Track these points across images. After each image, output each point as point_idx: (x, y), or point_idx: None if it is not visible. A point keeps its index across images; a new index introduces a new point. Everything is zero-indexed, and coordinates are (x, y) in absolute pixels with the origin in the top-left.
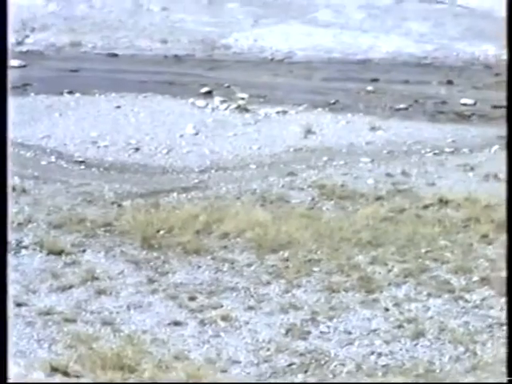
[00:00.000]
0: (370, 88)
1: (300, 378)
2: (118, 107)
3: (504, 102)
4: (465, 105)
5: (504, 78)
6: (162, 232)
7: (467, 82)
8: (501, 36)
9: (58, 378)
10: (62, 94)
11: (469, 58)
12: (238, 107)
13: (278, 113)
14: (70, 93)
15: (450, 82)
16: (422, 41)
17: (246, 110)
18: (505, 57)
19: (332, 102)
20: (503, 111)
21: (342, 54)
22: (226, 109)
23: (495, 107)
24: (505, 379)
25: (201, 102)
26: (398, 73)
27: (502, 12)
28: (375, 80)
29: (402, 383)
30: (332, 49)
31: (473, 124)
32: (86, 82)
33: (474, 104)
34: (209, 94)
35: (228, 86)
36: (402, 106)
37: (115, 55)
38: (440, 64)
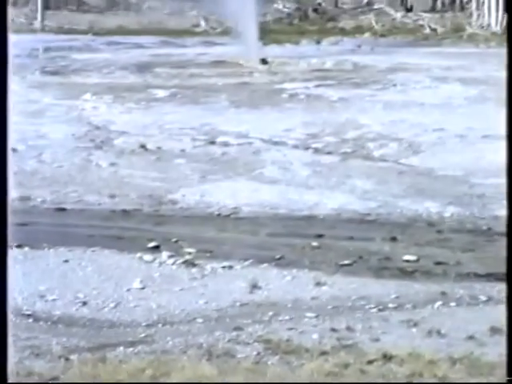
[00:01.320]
0: (315, 244)
1: None
2: (66, 261)
3: (444, 259)
4: (408, 261)
5: (446, 235)
6: None
7: (410, 239)
8: (442, 193)
9: None
10: (10, 247)
11: (412, 214)
12: (185, 262)
13: (224, 267)
14: (19, 246)
15: (393, 239)
16: (366, 198)
17: (193, 265)
18: (447, 214)
19: (277, 257)
20: (445, 267)
21: (287, 209)
22: (173, 263)
23: (438, 263)
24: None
25: (148, 257)
26: (342, 229)
27: (444, 171)
28: (320, 236)
29: (402, 383)
30: (278, 205)
31: (416, 280)
32: (35, 235)
33: (417, 260)
34: (156, 248)
35: (175, 241)
36: (346, 261)
37: (64, 209)
38: (384, 221)
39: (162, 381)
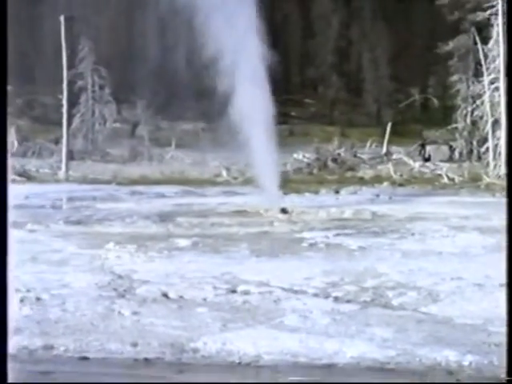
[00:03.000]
0: None
1: None
2: None
3: None
4: None
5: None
6: None
7: None
8: (461, 342)
9: None
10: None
11: (431, 363)
12: None
13: None
14: None
15: None
16: (385, 346)
17: None
18: (465, 363)
19: None
20: None
21: (307, 358)
22: None
23: None
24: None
25: None
26: (362, 377)
27: (462, 319)
28: None
29: (402, 383)
30: (298, 353)
31: None
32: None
33: None
34: None
35: None
36: None
37: (86, 358)
38: (403, 369)
39: None
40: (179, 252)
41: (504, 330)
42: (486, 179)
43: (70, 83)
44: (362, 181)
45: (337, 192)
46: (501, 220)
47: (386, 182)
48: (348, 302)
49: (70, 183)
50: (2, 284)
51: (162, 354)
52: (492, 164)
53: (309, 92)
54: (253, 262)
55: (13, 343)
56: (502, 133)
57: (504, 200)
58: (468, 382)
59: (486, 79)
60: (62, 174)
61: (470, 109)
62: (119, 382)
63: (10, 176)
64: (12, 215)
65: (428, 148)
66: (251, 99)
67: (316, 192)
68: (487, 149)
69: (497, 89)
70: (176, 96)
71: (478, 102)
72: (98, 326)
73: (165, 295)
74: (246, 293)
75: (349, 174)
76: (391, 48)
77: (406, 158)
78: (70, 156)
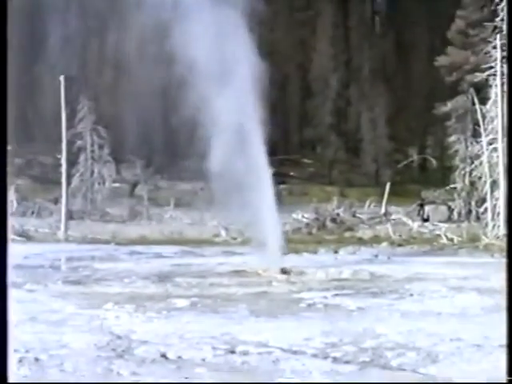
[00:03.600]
0: None
1: None
2: None
3: None
4: None
5: None
6: None
7: None
8: None
9: None
10: None
11: None
12: None
13: None
14: None
15: None
16: None
17: None
18: None
19: None
20: None
21: None
22: None
23: None
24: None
25: None
26: None
27: (462, 380)
28: None
29: (399, 383)
30: None
31: None
32: None
33: None
34: None
35: None
36: None
37: None
38: None
39: None
40: (178, 312)
41: None
42: (485, 240)
43: (70, 143)
44: (360, 241)
45: (335, 252)
46: (499, 280)
47: (385, 242)
48: (347, 362)
49: (68, 243)
50: (2, 343)
51: None
52: (491, 224)
53: (307, 152)
54: (252, 323)
55: None
56: (501, 193)
57: (503, 260)
58: (468, 382)
59: (484, 140)
60: (61, 233)
61: (468, 169)
62: (119, 382)
63: (10, 236)
64: (11, 275)
65: (427, 208)
66: (249, 160)
67: (315, 252)
68: (486, 209)
69: (495, 149)
70: (175, 156)
71: (477, 162)
72: None
73: (163, 356)
74: (245, 353)
75: (348, 234)
76: (390, 108)
77: (404, 218)
78: (69, 216)
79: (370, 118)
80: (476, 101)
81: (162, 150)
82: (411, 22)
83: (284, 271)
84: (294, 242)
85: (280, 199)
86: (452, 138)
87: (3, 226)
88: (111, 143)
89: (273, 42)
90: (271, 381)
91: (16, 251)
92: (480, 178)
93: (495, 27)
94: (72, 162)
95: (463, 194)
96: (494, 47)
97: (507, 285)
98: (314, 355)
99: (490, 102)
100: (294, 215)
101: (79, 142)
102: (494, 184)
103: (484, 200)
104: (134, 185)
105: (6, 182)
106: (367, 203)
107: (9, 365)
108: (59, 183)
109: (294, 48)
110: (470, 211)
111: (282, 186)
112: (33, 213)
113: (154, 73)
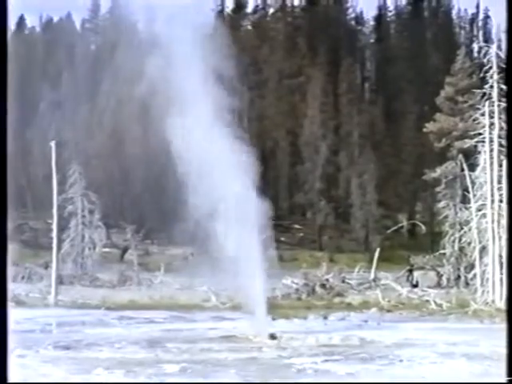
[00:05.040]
0: None
1: None
2: None
3: None
4: None
5: None
6: None
7: None
8: None
9: None
10: None
11: None
12: None
13: None
14: None
15: None
16: None
17: None
18: None
19: None
20: None
21: None
22: None
23: None
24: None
25: None
26: None
27: None
28: None
29: (401, 383)
30: None
31: None
32: None
33: None
34: None
35: None
36: None
37: None
38: None
39: None
40: (168, 378)
41: None
42: (474, 305)
43: (60, 208)
44: (350, 306)
45: (325, 318)
46: (488, 347)
47: (374, 307)
48: None
49: (59, 308)
50: (2, 344)
51: None
52: (480, 290)
53: (297, 217)
54: None
55: None
56: (490, 259)
57: (493, 326)
58: (468, 382)
59: (473, 206)
60: (51, 298)
61: (457, 235)
62: (120, 382)
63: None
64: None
65: (416, 274)
66: (239, 226)
67: (304, 317)
68: (475, 275)
69: (484, 216)
70: (165, 221)
71: (466, 228)
72: None
73: None
74: None
75: (337, 299)
76: (379, 174)
77: (393, 284)
78: (60, 280)
79: (359, 183)
80: (465, 167)
81: (152, 215)
82: (400, 89)
83: (274, 337)
84: (283, 308)
85: (270, 265)
86: (441, 204)
87: (3, 232)
88: (101, 208)
89: (263, 108)
90: None
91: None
92: (469, 243)
93: (484, 94)
94: (62, 227)
95: (452, 259)
96: (483, 114)
97: (507, 287)
98: None
99: (479, 169)
100: (284, 280)
101: (70, 207)
102: (483, 250)
103: (473, 266)
104: (124, 250)
105: (6, 181)
106: (357, 269)
107: (9, 365)
108: (50, 248)
109: (284, 114)
110: (459, 277)
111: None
112: (23, 278)
113: (145, 140)
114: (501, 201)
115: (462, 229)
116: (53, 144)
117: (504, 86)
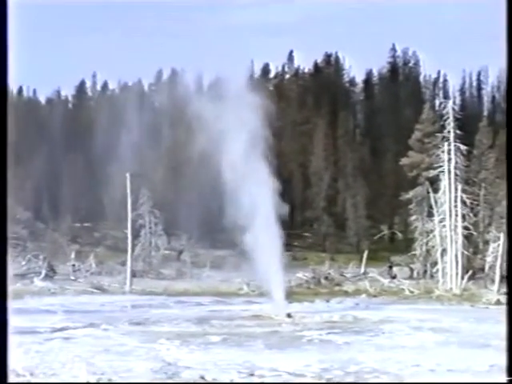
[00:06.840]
0: None
1: None
2: None
3: None
4: None
5: None
6: None
7: None
8: None
9: None
10: None
11: None
12: None
13: None
14: None
15: None
16: None
17: None
18: None
19: None
20: None
21: None
22: None
23: None
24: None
25: None
26: None
27: None
28: None
29: (399, 383)
30: None
31: None
32: None
33: None
34: None
35: None
36: None
37: None
38: None
39: None
40: (213, 346)
41: None
42: (437, 292)
43: (133, 221)
44: (346, 293)
45: (327, 301)
46: (448, 322)
47: (364, 294)
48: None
49: (132, 295)
50: (2, 344)
51: None
52: (441, 281)
53: (307, 228)
54: (266, 354)
55: None
56: (449, 258)
57: (451, 307)
58: (468, 382)
59: (436, 219)
60: (127, 288)
61: (425, 240)
62: (124, 382)
63: (90, 289)
64: (91, 318)
65: (394, 269)
66: (264, 235)
67: (312, 301)
68: (437, 270)
69: (444, 226)
70: (210, 231)
71: (431, 235)
72: None
73: (202, 377)
74: (262, 376)
75: (336, 288)
76: (368, 195)
77: (378, 277)
78: (133, 274)
79: (353, 203)
80: (430, 190)
81: (201, 227)
82: (382, 133)
83: (290, 316)
84: (296, 294)
85: (286, 263)
86: (413, 218)
87: (3, 229)
88: (164, 221)
89: (281, 148)
90: None
91: (94, 300)
92: (433, 247)
93: (443, 137)
94: (135, 236)
95: (421, 258)
96: (443, 151)
97: (507, 286)
98: (312, 377)
99: (440, 192)
100: (297, 274)
101: (140, 221)
102: (444, 251)
103: (436, 263)
104: (180, 252)
105: (6, 181)
106: (351, 265)
107: (9, 365)
108: (126, 251)
109: (296, 152)
110: (425, 271)
111: (287, 253)
112: (106, 272)
113: (200, 176)
114: (456, 215)
115: (428, 236)
116: (128, 175)
117: (459, 131)
